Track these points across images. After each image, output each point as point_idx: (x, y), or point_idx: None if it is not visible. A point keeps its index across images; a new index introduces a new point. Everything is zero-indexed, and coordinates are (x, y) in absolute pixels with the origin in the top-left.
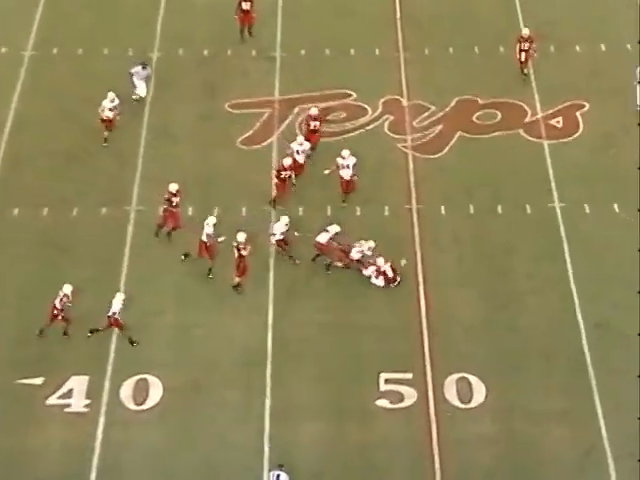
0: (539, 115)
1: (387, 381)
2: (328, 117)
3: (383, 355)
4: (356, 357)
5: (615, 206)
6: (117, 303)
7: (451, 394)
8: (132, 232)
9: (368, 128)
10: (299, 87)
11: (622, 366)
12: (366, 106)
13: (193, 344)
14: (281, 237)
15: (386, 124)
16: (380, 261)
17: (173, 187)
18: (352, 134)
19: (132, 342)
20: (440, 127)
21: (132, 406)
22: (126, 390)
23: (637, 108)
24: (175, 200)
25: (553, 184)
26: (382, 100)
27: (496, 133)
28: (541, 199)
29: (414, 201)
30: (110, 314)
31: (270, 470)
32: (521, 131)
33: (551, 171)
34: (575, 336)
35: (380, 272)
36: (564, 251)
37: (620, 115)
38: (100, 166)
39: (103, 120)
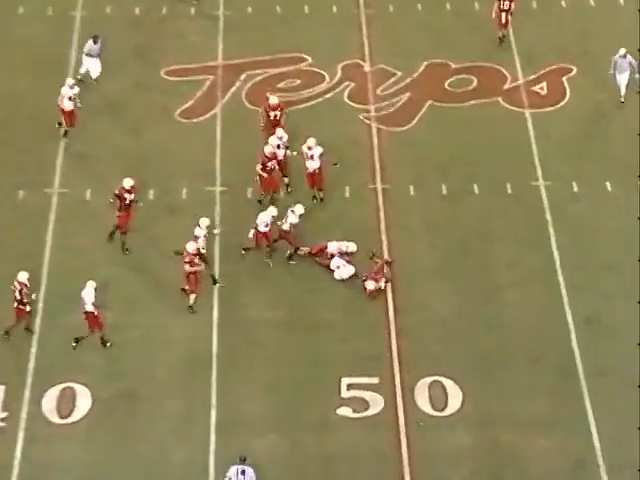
0: (520, 81)
1: (350, 387)
2: (280, 85)
3: (345, 357)
4: (314, 360)
5: (607, 184)
6: (89, 294)
7: (423, 400)
8: (54, 219)
9: (326, 97)
10: (246, 51)
11: (615, 366)
12: (323, 72)
13: (127, 347)
14: (265, 229)
15: (346, 92)
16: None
17: (128, 183)
18: (307, 104)
19: (105, 342)
20: (408, 95)
21: (56, 419)
22: (49, 401)
23: (621, 100)
24: (129, 197)
25: (537, 159)
26: (341, 65)
27: (472, 102)
28: (523, 177)
29: (379, 180)
30: (89, 310)
31: (233, 465)
32: (500, 99)
33: (534, 145)
34: (563, 333)
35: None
36: (550, 236)
37: (612, 80)
38: (17, 142)
39: (62, 111)
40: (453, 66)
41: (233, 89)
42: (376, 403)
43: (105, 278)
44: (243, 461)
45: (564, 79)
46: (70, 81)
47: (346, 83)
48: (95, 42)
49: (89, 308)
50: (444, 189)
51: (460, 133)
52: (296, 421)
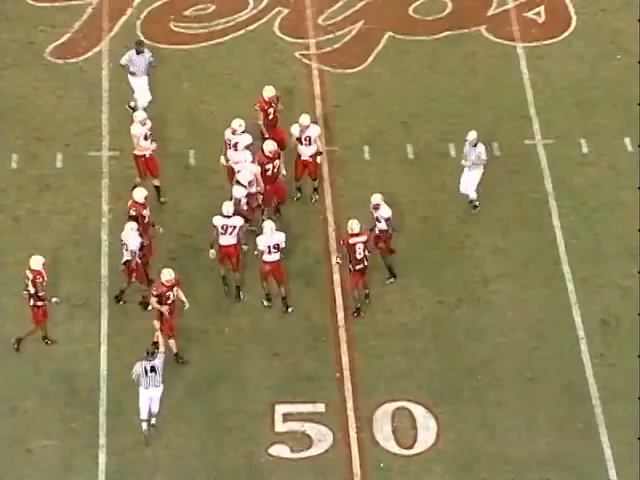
0: (510, 4)
1: (287, 417)
2: (187, 12)
3: (280, 377)
4: (238, 381)
5: (627, 142)
6: (134, 238)
7: (384, 434)
8: None
9: (249, 29)
10: None
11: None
12: None
13: None
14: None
15: (277, 22)
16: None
17: (141, 194)
18: (224, 39)
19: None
20: (360, 25)
21: None
22: None
23: (472, 212)
24: (147, 214)
25: (532, 110)
26: None
27: (445, 33)
28: (515, 134)
29: (322, 140)
30: (130, 258)
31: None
32: (483, 29)
33: (529, 90)
34: (570, 342)
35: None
36: (551, 213)
37: (629, 2)
38: None
39: (138, 158)
40: None
41: (124, 18)
42: (322, 438)
43: None
44: (151, 354)
45: (568, 1)
46: (141, 115)
47: (277, 9)
48: (139, 52)
49: (129, 256)
50: (410, 151)
51: (430, 76)
52: (214, 465)
